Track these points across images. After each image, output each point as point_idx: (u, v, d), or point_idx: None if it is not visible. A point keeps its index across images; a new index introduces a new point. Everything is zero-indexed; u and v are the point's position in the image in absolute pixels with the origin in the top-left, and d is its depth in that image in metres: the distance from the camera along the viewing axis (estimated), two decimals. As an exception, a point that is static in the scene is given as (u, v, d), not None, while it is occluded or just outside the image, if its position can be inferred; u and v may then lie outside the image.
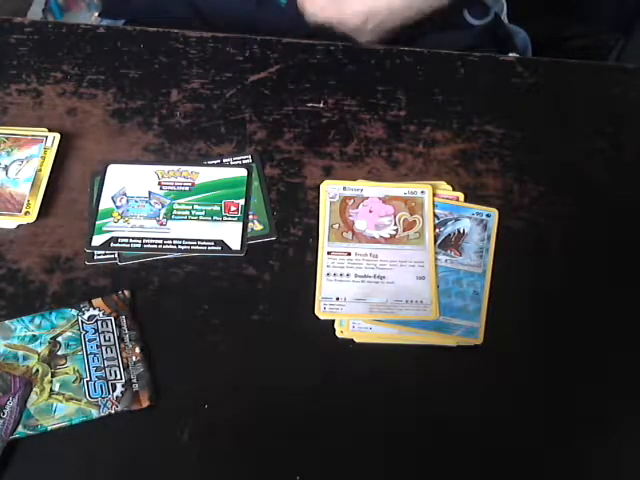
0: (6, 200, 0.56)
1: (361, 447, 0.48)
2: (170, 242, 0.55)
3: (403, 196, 0.57)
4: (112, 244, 0.54)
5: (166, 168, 0.58)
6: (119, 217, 0.55)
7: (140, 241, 0.55)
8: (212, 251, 0.55)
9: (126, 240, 0.55)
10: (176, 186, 0.57)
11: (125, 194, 0.57)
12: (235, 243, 0.55)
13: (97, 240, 0.55)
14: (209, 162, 0.59)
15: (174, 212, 0.56)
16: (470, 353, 0.52)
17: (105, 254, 0.54)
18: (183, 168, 0.58)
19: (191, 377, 0.50)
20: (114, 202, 0.57)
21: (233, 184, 0.58)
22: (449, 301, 0.53)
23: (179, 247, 0.55)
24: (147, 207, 0.56)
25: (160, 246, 0.55)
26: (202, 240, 0.55)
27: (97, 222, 0.55)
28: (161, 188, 0.57)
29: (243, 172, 0.59)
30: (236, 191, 0.58)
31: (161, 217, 0.56)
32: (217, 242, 0.55)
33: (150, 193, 0.57)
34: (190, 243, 0.55)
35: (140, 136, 0.61)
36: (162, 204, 0.57)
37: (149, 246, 0.54)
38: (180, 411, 0.49)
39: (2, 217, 0.55)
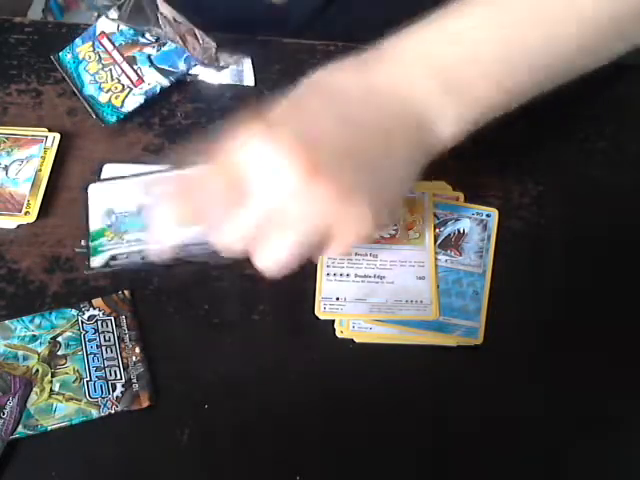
0: (6, 200, 0.56)
1: (361, 447, 0.48)
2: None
3: (403, 196, 0.57)
4: (111, 262, 0.53)
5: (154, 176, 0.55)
6: (112, 235, 0.54)
7: (139, 254, 0.53)
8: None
9: (125, 256, 0.53)
10: None
11: (113, 211, 0.55)
12: (235, 243, 0.55)
13: (96, 261, 0.53)
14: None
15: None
16: (470, 353, 0.52)
17: (105, 254, 0.54)
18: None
19: (191, 377, 0.50)
20: (104, 221, 0.54)
21: (233, 184, 0.57)
22: (449, 301, 0.53)
23: (179, 253, 0.54)
24: (139, 220, 0.54)
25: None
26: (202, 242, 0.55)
27: (92, 243, 0.54)
28: None
29: (243, 172, 0.58)
30: (236, 191, 0.57)
31: None
32: (217, 242, 0.55)
33: (139, 206, 0.54)
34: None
35: (140, 136, 0.61)
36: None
37: (150, 259, 0.53)
38: (180, 411, 0.49)
39: (2, 217, 0.55)
